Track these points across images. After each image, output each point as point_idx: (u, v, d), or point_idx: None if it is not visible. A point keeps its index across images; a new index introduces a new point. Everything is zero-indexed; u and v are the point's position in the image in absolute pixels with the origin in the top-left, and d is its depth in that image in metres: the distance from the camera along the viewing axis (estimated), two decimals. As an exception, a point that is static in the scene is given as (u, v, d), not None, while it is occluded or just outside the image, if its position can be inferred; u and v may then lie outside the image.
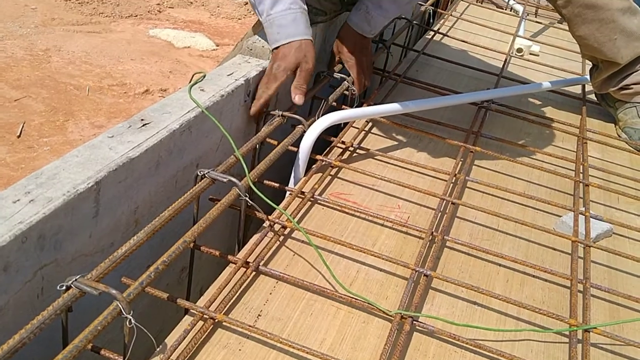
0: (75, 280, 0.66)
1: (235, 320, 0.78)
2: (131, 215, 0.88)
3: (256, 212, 0.93)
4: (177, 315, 0.81)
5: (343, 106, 1.33)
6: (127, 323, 0.65)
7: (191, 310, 0.78)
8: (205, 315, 0.77)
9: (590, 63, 1.65)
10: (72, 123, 2.65)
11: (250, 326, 0.76)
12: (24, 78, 2.87)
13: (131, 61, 3.26)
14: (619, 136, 1.58)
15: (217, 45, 3.62)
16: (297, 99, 1.11)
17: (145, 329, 0.66)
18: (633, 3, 1.50)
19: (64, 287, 0.66)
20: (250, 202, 0.89)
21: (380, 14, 1.35)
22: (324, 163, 1.15)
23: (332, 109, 1.25)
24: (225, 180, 0.87)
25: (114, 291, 0.65)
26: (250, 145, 1.02)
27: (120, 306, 0.65)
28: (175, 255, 0.73)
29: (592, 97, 1.73)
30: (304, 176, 1.11)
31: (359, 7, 1.36)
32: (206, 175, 0.88)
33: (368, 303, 0.85)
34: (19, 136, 2.45)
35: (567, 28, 1.63)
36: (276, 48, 1.12)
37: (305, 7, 1.13)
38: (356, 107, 1.34)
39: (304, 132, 1.11)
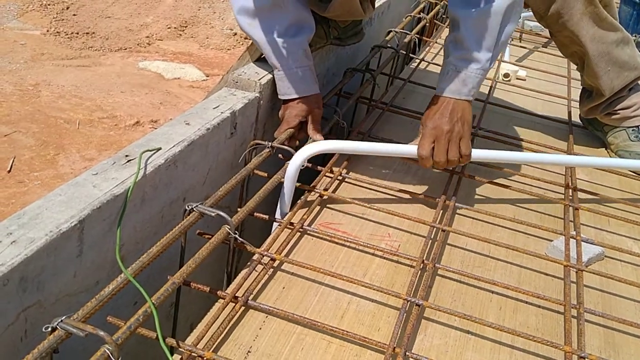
0: (61, 321, 0.65)
1: (224, 357, 0.76)
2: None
3: (246, 246, 0.92)
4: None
5: (330, 135, 1.33)
6: (115, 368, 0.63)
7: (179, 349, 0.76)
8: (193, 354, 0.75)
9: (580, 87, 1.65)
10: (63, 157, 2.64)
11: (239, 363, 0.75)
12: (14, 113, 2.87)
13: (121, 94, 3.26)
14: None
15: (207, 76, 3.64)
16: (318, 137, 1.25)
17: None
18: (626, 33, 1.52)
19: (50, 329, 0.65)
20: (240, 238, 0.88)
21: (476, 67, 1.15)
22: (312, 193, 1.15)
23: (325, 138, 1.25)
24: (213, 214, 0.87)
25: (102, 333, 0.63)
26: (239, 177, 1.01)
27: (109, 351, 0.63)
28: (164, 297, 0.72)
29: (578, 120, 1.74)
30: (293, 207, 1.10)
31: (445, 70, 1.17)
32: (194, 209, 0.87)
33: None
34: (9, 171, 2.44)
35: (552, 52, 1.64)
36: (285, 100, 1.27)
37: (312, 62, 1.27)
38: (346, 138, 1.34)
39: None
